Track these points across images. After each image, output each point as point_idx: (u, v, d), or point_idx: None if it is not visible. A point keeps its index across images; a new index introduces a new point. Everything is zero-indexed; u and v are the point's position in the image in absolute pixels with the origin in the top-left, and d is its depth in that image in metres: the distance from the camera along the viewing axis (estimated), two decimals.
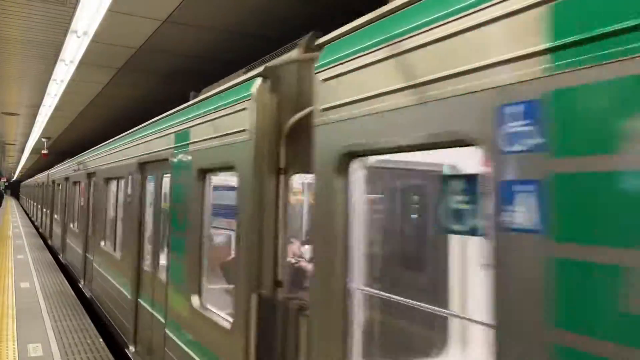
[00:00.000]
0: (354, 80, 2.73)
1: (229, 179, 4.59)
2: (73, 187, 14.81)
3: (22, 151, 29.56)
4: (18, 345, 7.16)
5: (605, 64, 1.49)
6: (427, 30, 2.23)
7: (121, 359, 7.32)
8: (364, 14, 2.71)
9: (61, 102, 12.15)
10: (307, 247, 4.53)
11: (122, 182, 8.23)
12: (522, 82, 1.74)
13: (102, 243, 9.58)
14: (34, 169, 43.83)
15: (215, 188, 4.86)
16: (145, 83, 9.76)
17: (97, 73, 9.18)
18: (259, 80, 3.66)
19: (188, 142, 5.12)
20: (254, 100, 3.64)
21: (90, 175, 11.69)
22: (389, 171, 3.78)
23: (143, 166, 7.00)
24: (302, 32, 3.73)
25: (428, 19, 2.23)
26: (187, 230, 4.90)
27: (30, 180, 43.60)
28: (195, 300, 4.64)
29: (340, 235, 2.73)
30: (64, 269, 14.44)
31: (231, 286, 4.24)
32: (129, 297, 7.01)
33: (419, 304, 2.92)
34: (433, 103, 2.16)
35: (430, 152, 2.41)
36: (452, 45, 2.09)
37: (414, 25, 2.33)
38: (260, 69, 3.73)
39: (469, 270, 3.61)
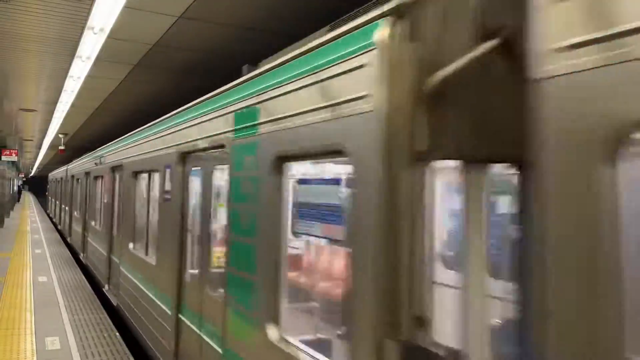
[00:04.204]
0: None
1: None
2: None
3: (39, 147, 29.94)
4: (36, 338, 7.25)
5: None
6: None
7: (136, 354, 7.39)
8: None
9: (78, 99, 12.26)
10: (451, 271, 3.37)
11: None
12: None
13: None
14: (51, 164, 44.39)
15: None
16: (161, 79, 9.81)
17: (113, 69, 9.24)
18: (388, 22, 2.38)
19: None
20: (381, 52, 2.39)
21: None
22: None
23: None
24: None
25: None
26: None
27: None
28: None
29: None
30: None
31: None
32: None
33: None
34: None
35: None
36: None
37: None
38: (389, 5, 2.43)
39: None
